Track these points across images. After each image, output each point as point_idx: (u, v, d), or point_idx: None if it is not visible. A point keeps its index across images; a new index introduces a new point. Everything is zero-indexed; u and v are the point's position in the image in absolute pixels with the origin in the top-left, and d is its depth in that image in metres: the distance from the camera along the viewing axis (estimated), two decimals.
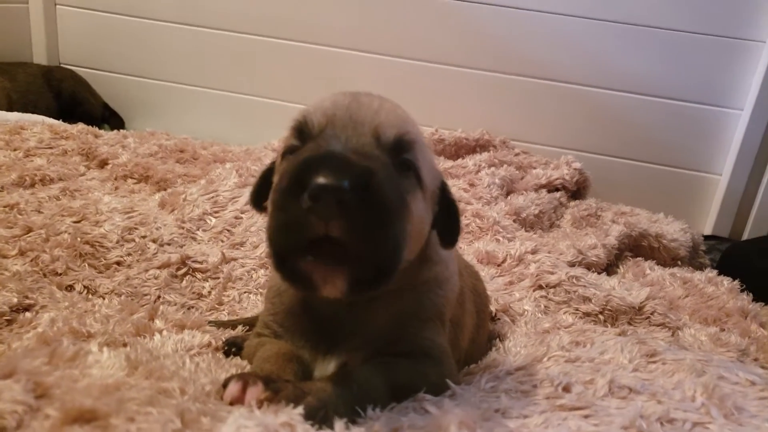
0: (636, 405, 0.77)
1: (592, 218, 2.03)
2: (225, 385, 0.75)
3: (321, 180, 0.62)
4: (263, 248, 1.50)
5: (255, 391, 0.72)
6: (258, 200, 0.89)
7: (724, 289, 1.56)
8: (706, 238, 2.22)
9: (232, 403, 0.72)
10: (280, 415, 0.64)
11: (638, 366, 0.91)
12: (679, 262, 1.82)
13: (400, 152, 0.75)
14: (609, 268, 1.69)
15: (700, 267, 1.88)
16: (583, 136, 2.47)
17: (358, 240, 0.65)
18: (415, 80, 2.53)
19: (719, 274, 1.70)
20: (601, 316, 1.33)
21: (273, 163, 0.89)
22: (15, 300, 1.17)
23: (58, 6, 2.74)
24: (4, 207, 1.52)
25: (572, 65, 2.41)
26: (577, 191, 2.22)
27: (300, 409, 0.66)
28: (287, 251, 0.68)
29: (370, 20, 2.52)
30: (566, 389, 0.82)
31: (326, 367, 0.84)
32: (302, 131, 0.76)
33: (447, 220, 0.85)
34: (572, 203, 2.15)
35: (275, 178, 0.78)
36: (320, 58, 2.59)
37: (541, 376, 0.86)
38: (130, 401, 0.65)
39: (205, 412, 0.64)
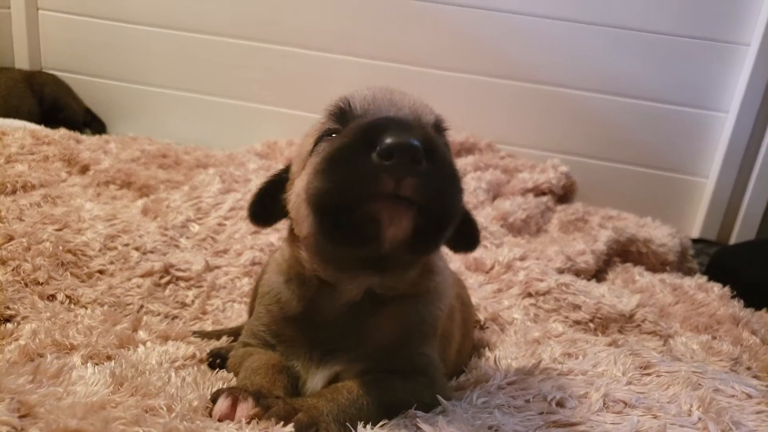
0: (632, 420, 0.76)
1: (579, 222, 2.02)
2: (214, 399, 0.73)
3: (393, 138, 0.62)
4: (247, 256, 1.48)
5: (245, 408, 0.70)
6: (257, 214, 0.88)
7: (714, 296, 1.55)
8: (694, 241, 2.23)
9: (221, 420, 0.71)
10: None
11: (632, 378, 0.90)
12: (668, 267, 1.82)
13: (439, 134, 0.78)
14: (598, 274, 1.68)
15: (689, 271, 1.89)
16: (569, 140, 2.48)
17: (427, 199, 0.65)
18: (398, 84, 2.48)
19: (708, 279, 1.69)
20: (591, 324, 1.32)
21: (276, 176, 0.89)
22: None
23: (40, 11, 2.70)
24: None
25: (557, 68, 2.42)
26: (563, 195, 2.23)
27: (290, 428, 0.65)
28: (347, 206, 0.66)
29: (352, 24, 2.50)
30: (560, 404, 0.80)
31: (318, 377, 0.82)
32: (344, 114, 0.76)
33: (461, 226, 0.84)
34: (559, 207, 2.15)
35: (312, 160, 0.75)
36: (302, 62, 2.57)
37: (534, 391, 0.85)
38: (117, 421, 0.63)
39: (193, 431, 0.62)
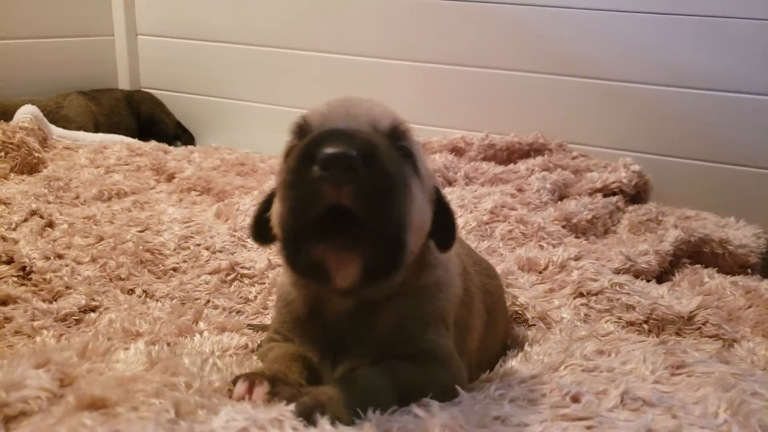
0: (645, 418, 0.73)
1: (652, 223, 1.92)
2: (234, 383, 0.80)
3: (329, 149, 0.65)
4: None
5: (261, 391, 0.76)
6: (259, 232, 0.89)
7: None
8: None
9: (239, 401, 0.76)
10: (270, 410, 0.67)
11: (660, 378, 0.86)
12: (749, 270, 1.68)
13: (397, 140, 0.78)
14: (664, 275, 1.59)
15: None
16: (644, 137, 2.34)
17: (368, 207, 0.67)
18: (465, 86, 2.52)
19: None
20: (645, 326, 1.26)
21: (270, 195, 0.91)
22: (83, 302, 1.32)
23: (138, 36, 3.00)
24: (84, 218, 1.70)
25: (628, 63, 2.30)
26: (636, 195, 2.12)
27: (291, 406, 0.69)
28: (301, 231, 0.69)
29: (417, 30, 2.54)
30: (575, 399, 0.79)
31: (335, 375, 0.86)
32: (302, 130, 0.79)
33: (442, 225, 0.86)
34: (630, 208, 2.05)
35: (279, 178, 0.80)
36: (367, 70, 2.64)
37: (553, 385, 0.84)
38: (138, 392, 0.70)
39: (203, 405, 0.69)
